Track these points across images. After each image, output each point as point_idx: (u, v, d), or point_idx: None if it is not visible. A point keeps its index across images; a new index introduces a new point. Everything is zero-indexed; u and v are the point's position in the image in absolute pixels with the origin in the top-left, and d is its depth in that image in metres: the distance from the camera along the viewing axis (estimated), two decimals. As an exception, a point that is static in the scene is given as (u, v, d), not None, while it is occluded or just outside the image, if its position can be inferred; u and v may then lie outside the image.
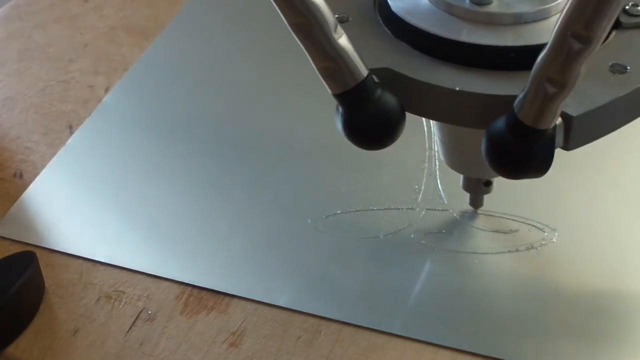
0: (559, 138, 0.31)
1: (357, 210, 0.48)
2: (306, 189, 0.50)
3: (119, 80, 0.61)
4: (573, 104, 0.30)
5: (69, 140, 0.56)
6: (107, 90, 0.61)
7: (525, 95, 0.29)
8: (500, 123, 0.31)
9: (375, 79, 0.32)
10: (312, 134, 0.54)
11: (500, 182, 0.49)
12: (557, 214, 0.47)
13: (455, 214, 0.48)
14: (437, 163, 0.50)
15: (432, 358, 0.41)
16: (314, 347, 0.42)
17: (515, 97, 0.30)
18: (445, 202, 0.48)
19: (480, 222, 0.47)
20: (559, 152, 0.50)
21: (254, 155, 0.53)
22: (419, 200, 0.49)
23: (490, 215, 0.47)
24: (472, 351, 0.41)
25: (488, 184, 0.45)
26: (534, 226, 0.46)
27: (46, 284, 0.46)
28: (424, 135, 0.52)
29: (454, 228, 0.47)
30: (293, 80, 0.59)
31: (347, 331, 0.42)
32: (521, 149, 0.30)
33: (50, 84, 0.62)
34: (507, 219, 0.47)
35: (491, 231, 0.46)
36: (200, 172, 0.53)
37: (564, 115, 0.31)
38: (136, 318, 0.44)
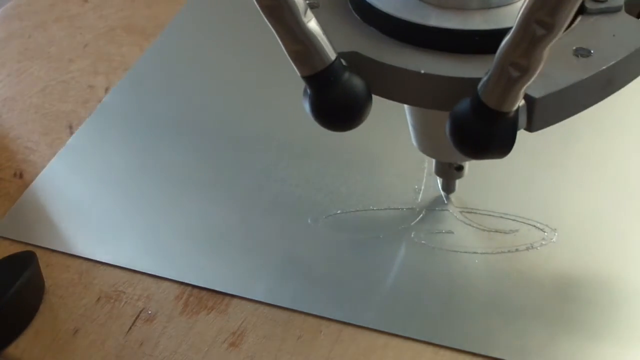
0: (523, 119, 0.32)
1: (357, 210, 0.48)
2: (306, 189, 0.50)
3: (119, 80, 0.61)
4: (536, 86, 0.31)
5: (69, 140, 0.56)
6: (107, 90, 0.61)
7: (489, 78, 0.30)
8: (464, 104, 0.31)
9: (343, 62, 0.33)
10: (312, 134, 0.54)
11: (500, 183, 0.49)
12: (557, 214, 0.47)
13: (455, 214, 0.48)
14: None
15: (432, 358, 0.41)
16: (314, 347, 0.42)
17: (479, 79, 0.30)
18: (445, 202, 0.48)
19: (480, 222, 0.47)
20: (559, 153, 0.50)
21: (254, 155, 0.53)
22: (419, 200, 0.49)
23: (490, 215, 0.47)
24: (472, 351, 0.41)
25: (460, 168, 0.45)
26: (534, 226, 0.46)
27: (46, 284, 0.46)
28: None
29: (454, 228, 0.47)
30: (293, 80, 0.58)
31: (347, 331, 0.42)
32: (484, 130, 0.31)
33: (50, 84, 0.62)
34: (507, 219, 0.47)
35: (491, 231, 0.46)
36: (200, 172, 0.53)
37: (527, 97, 0.31)
38: (136, 318, 0.44)
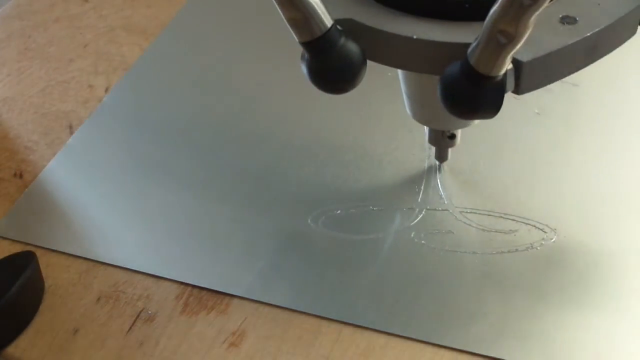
0: (510, 82, 0.33)
1: (357, 210, 0.48)
2: (306, 189, 0.50)
3: (119, 80, 0.61)
4: (523, 50, 0.32)
5: (69, 140, 0.56)
6: (107, 90, 0.61)
7: (478, 44, 0.31)
8: (454, 68, 0.33)
9: (339, 28, 0.34)
10: (312, 133, 0.54)
11: (500, 183, 0.49)
12: (557, 214, 0.47)
13: (455, 214, 0.48)
14: (438, 163, 0.50)
15: (432, 358, 0.41)
16: (314, 347, 0.42)
17: (469, 44, 0.32)
18: (445, 202, 0.48)
19: (480, 222, 0.47)
20: (559, 153, 0.50)
21: (253, 154, 0.53)
22: (419, 200, 0.49)
23: (490, 215, 0.47)
24: (472, 351, 0.41)
25: (452, 136, 0.47)
26: (534, 226, 0.46)
27: (46, 284, 0.46)
28: (424, 135, 0.52)
29: (454, 228, 0.47)
30: (293, 80, 0.59)
31: (347, 331, 0.42)
32: (473, 93, 0.33)
33: (50, 84, 0.62)
34: (507, 219, 0.47)
35: (491, 231, 0.46)
36: (200, 171, 0.53)
37: (515, 61, 0.33)
38: (136, 318, 0.44)
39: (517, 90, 0.34)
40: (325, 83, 0.36)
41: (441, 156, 0.49)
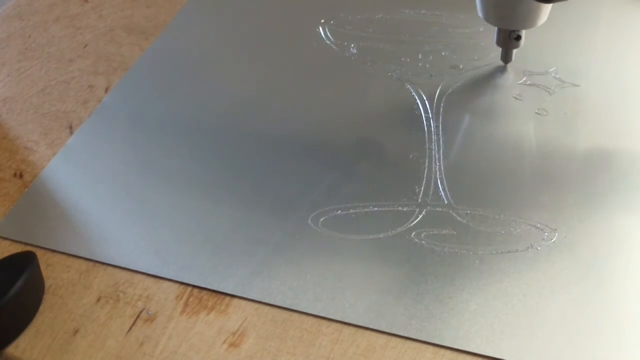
0: None
1: (357, 210, 0.48)
2: (306, 189, 0.50)
3: (119, 80, 0.61)
4: None
5: (69, 140, 0.56)
6: (107, 90, 0.61)
7: None
8: None
9: None
10: (312, 133, 0.54)
11: (501, 183, 0.49)
12: (557, 214, 0.47)
13: (455, 214, 0.48)
14: (437, 163, 0.50)
15: (432, 358, 0.41)
16: (314, 347, 0.42)
17: None
18: (445, 202, 0.48)
19: (480, 222, 0.47)
20: (559, 153, 0.50)
21: (253, 154, 0.53)
22: (419, 200, 0.49)
23: (490, 215, 0.47)
24: (472, 351, 0.41)
25: (518, 38, 0.53)
26: (534, 226, 0.46)
27: (46, 284, 0.46)
28: (424, 135, 0.52)
29: (454, 228, 0.47)
30: (293, 80, 0.59)
31: (347, 331, 0.42)
32: None
33: (50, 84, 0.62)
34: (507, 219, 0.47)
35: (491, 231, 0.46)
36: (200, 172, 0.53)
37: None
38: (136, 318, 0.44)
39: None
40: None
41: (507, 58, 0.55)
